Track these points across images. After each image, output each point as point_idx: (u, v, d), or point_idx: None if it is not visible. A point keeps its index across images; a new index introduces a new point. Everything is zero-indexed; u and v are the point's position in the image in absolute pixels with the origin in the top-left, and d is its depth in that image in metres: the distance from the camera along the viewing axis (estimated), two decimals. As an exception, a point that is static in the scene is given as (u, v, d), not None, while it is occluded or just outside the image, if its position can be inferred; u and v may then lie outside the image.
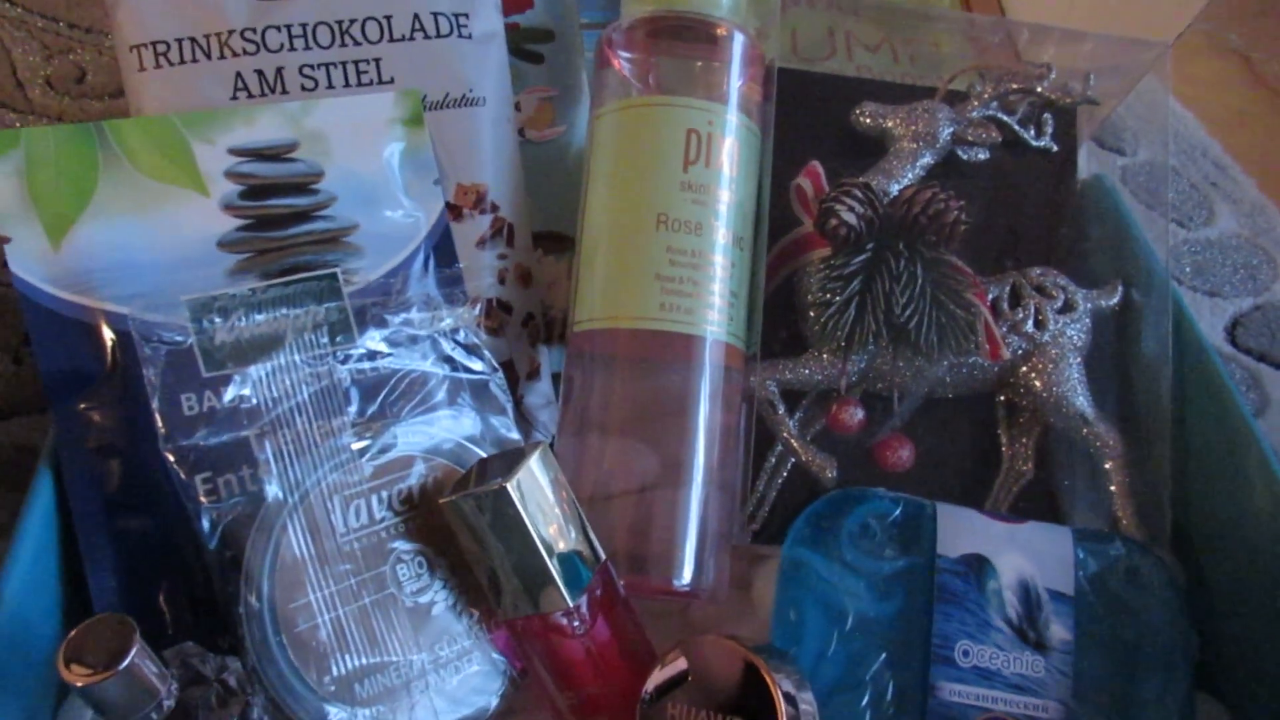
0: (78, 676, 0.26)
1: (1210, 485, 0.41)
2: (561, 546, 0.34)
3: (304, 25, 0.41)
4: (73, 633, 0.27)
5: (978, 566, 0.37)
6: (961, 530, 0.38)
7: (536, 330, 0.45)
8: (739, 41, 0.43)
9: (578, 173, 0.44)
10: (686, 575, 0.39)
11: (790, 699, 0.31)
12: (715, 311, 0.40)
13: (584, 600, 0.34)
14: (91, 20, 0.76)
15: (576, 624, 0.34)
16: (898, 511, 0.38)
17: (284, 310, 0.35)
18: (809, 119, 0.46)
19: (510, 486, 0.32)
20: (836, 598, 0.36)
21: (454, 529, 0.34)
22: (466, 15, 0.43)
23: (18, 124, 0.67)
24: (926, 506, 0.38)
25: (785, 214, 0.45)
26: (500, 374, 0.39)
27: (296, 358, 0.34)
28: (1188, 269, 0.68)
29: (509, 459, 0.34)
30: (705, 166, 0.41)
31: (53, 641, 0.32)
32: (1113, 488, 0.42)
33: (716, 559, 0.40)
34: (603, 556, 0.35)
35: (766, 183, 0.44)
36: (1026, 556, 0.37)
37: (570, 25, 0.49)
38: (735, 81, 0.43)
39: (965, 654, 0.35)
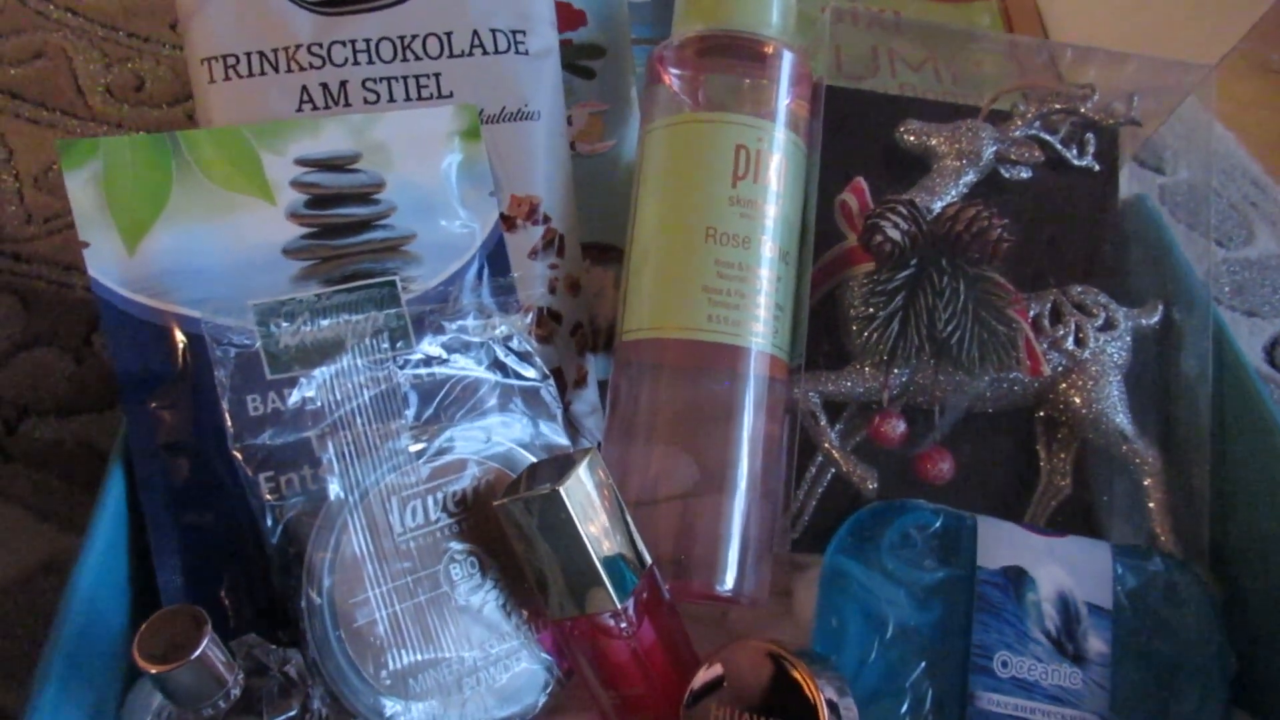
0: (152, 664, 0.27)
1: (1248, 503, 0.42)
2: (609, 550, 0.34)
3: (368, 40, 0.42)
4: (147, 622, 0.28)
5: (1017, 578, 0.37)
6: (1001, 542, 0.38)
7: (584, 339, 0.46)
8: (787, 60, 0.44)
9: (626, 186, 0.45)
10: (729, 581, 0.39)
11: (832, 705, 0.32)
12: (760, 324, 0.41)
13: (631, 603, 0.35)
14: (149, 29, 0.78)
15: (623, 625, 0.35)
16: (938, 523, 0.38)
17: (346, 316, 0.36)
18: (854, 136, 0.47)
19: (562, 491, 0.33)
20: (877, 606, 0.37)
21: (506, 531, 0.35)
22: (524, 32, 0.44)
23: (79, 131, 0.70)
24: (966, 519, 0.39)
25: (830, 229, 0.45)
26: (551, 381, 0.40)
27: (358, 362, 0.35)
28: (1227, 289, 0.68)
29: (560, 464, 0.35)
30: (753, 182, 0.42)
31: (122, 632, 0.34)
32: (1151, 504, 0.42)
33: (758, 566, 0.41)
34: (649, 561, 0.36)
35: (812, 198, 0.45)
36: (1065, 570, 0.38)
37: (622, 42, 0.50)
38: (783, 99, 0.43)
39: (1004, 664, 0.36)
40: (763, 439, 0.41)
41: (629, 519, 0.36)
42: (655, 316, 0.41)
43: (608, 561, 0.34)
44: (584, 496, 0.34)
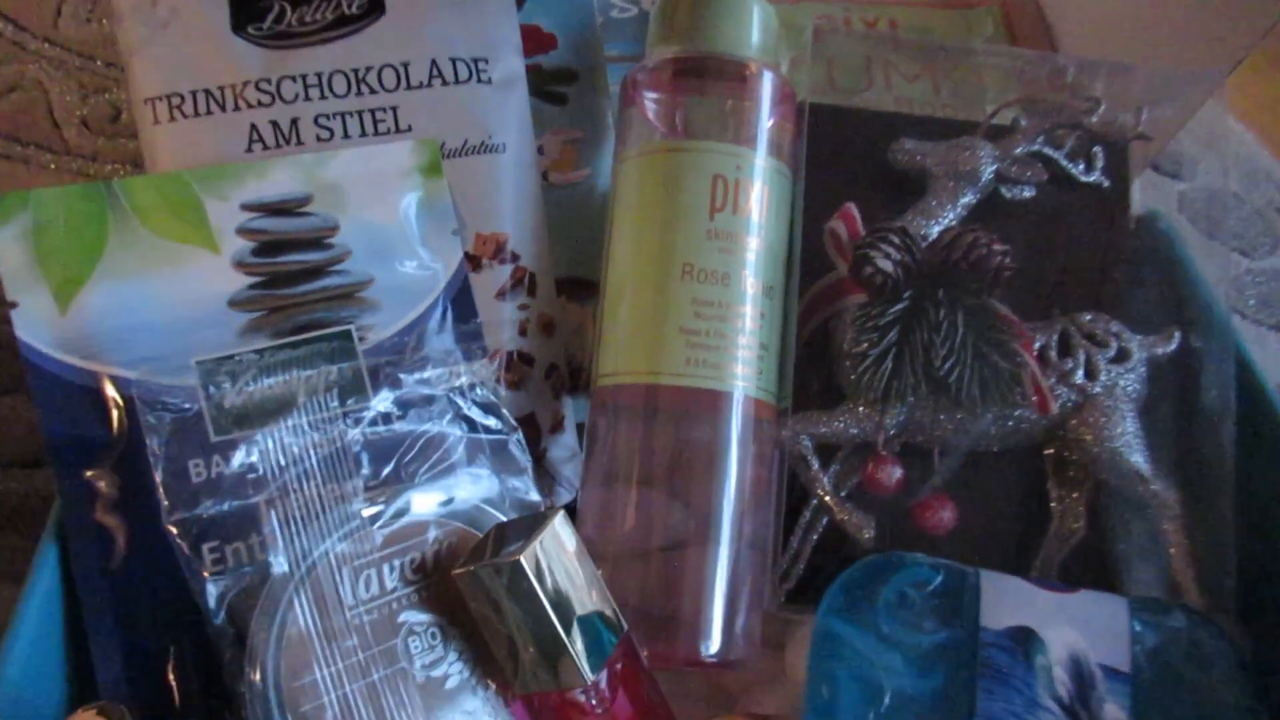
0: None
1: (1278, 548, 0.39)
2: (579, 620, 0.32)
3: (319, 75, 0.40)
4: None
5: (1025, 640, 0.34)
6: (1007, 600, 0.35)
7: (561, 381, 0.44)
8: (768, 81, 0.41)
9: (603, 217, 0.43)
10: (715, 644, 0.37)
11: (821, 790, 0.29)
12: (743, 365, 0.39)
13: (604, 675, 0.32)
14: (127, 59, 0.76)
15: (595, 701, 0.32)
16: (938, 579, 0.36)
17: (295, 372, 0.34)
18: (843, 157, 0.44)
19: (522, 560, 0.31)
20: (873, 673, 0.34)
21: (467, 599, 0.33)
22: (486, 60, 0.42)
23: (53, 165, 0.68)
24: (969, 574, 0.36)
25: (818, 258, 0.43)
26: (519, 433, 0.38)
27: (305, 420, 0.33)
28: (1251, 301, 0.65)
29: (525, 525, 0.33)
30: (732, 213, 0.39)
31: (56, 716, 0.32)
32: (1172, 550, 0.39)
33: (747, 624, 0.38)
34: (625, 628, 0.34)
35: (798, 227, 0.42)
36: (1078, 629, 0.35)
37: (595, 65, 0.48)
38: (764, 123, 0.41)
39: (1012, 738, 0.33)
40: (749, 487, 0.39)
41: (601, 585, 0.34)
42: (630, 360, 0.39)
43: (578, 632, 0.32)
44: (548, 563, 0.32)
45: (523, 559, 0.31)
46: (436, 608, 0.34)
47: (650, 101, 0.42)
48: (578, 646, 0.32)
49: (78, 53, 0.76)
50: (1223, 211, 0.55)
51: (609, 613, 0.33)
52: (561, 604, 0.32)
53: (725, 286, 0.39)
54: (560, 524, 0.33)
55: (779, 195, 0.41)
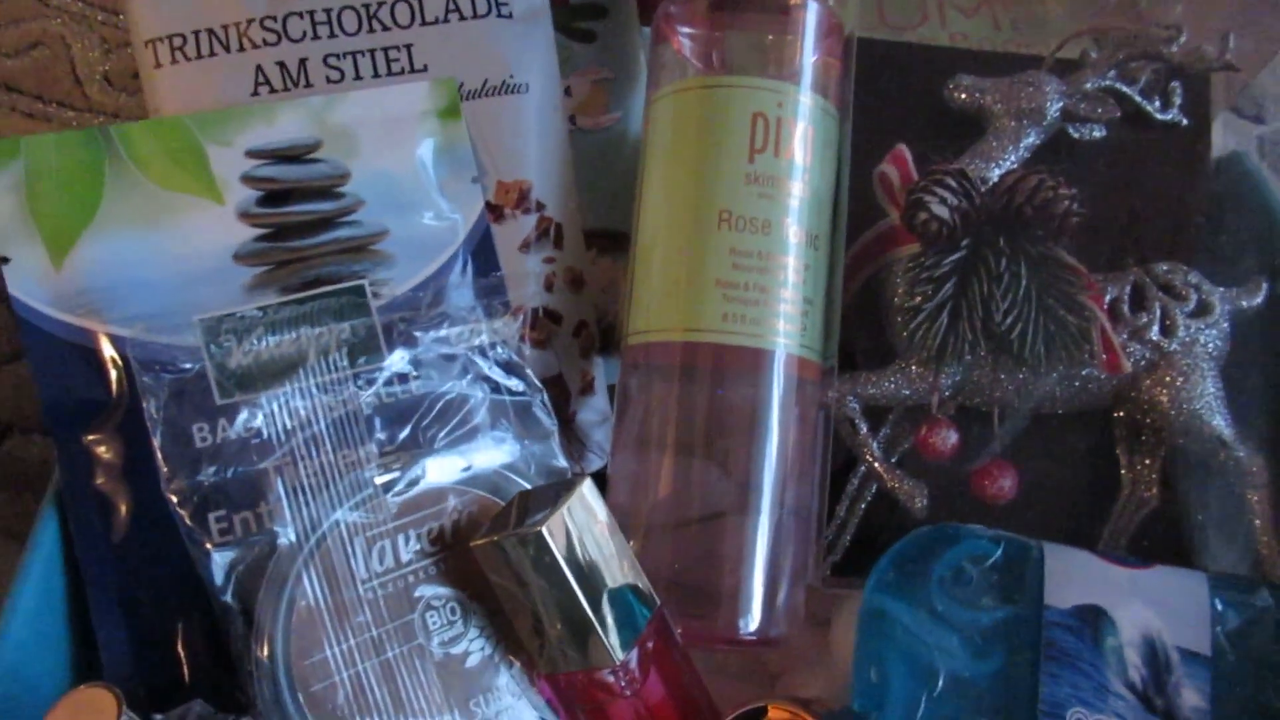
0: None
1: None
2: (608, 595, 0.30)
3: (328, 11, 0.38)
4: (53, 706, 0.24)
5: (1094, 620, 0.32)
6: (1074, 576, 0.32)
7: (590, 340, 0.42)
8: (813, 11, 0.38)
9: (635, 163, 0.40)
10: (754, 621, 0.35)
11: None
12: (786, 321, 0.36)
13: (634, 655, 0.30)
14: (149, 12, 0.75)
15: (624, 682, 0.30)
16: (998, 553, 0.33)
17: (304, 329, 0.32)
18: (895, 96, 0.41)
19: (548, 530, 0.29)
20: (925, 654, 0.31)
21: (488, 573, 0.31)
22: None
23: (75, 123, 0.67)
24: (1032, 548, 0.33)
25: (868, 205, 0.40)
26: (544, 394, 0.36)
27: (313, 382, 0.31)
28: (1335, 252, 0.60)
29: (551, 493, 0.31)
30: (774, 155, 0.36)
31: (61, 689, 0.30)
32: (1257, 522, 0.36)
33: (789, 600, 0.36)
34: (657, 603, 0.32)
35: (845, 171, 0.40)
36: (1152, 608, 0.32)
37: (626, -1, 0.45)
38: (809, 57, 0.38)
39: (1079, 726, 0.30)
40: (791, 452, 0.36)
41: (632, 558, 0.31)
42: (663, 316, 0.36)
43: (605, 608, 0.30)
44: (575, 534, 0.30)
45: (546, 529, 0.29)
46: (456, 581, 0.32)
47: (685, 36, 0.39)
48: (606, 623, 0.30)
49: (99, 6, 0.75)
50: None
51: (640, 587, 0.31)
52: (589, 578, 0.30)
53: (766, 235, 0.36)
54: (588, 491, 0.31)
55: (825, 136, 0.38)
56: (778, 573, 0.36)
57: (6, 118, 0.67)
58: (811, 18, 0.38)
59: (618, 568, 0.31)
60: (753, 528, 0.35)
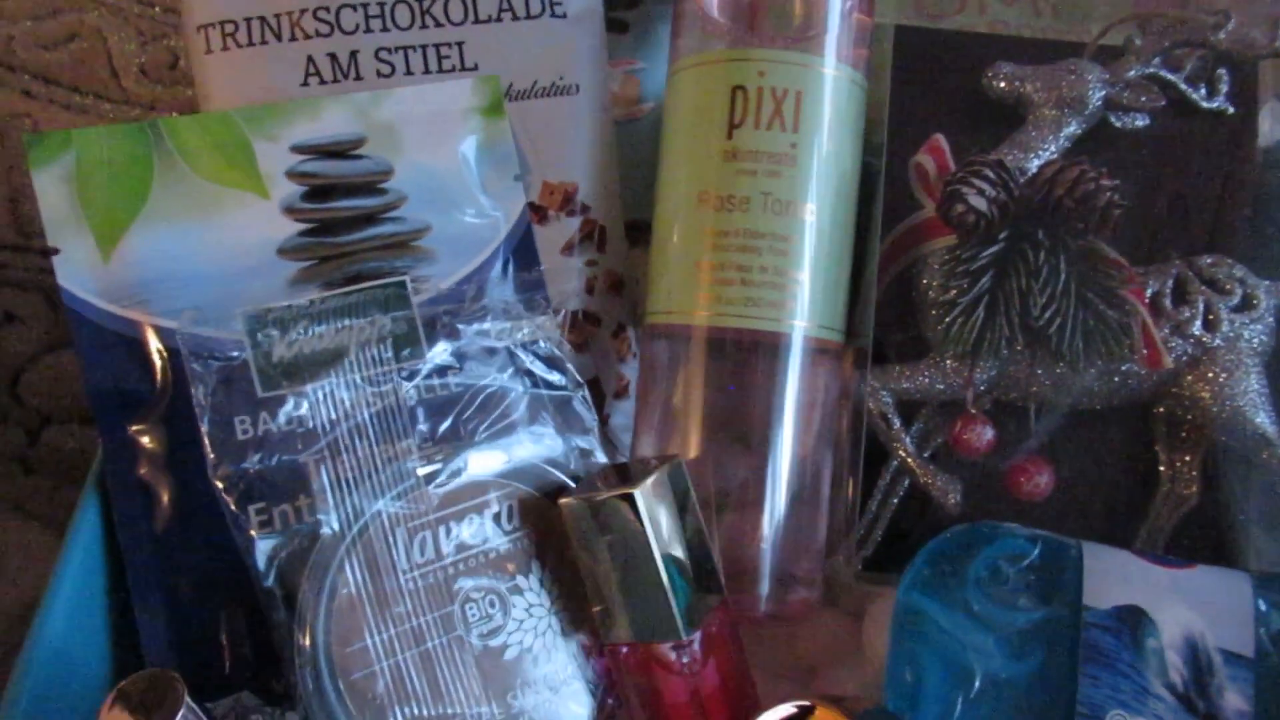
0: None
1: None
2: (683, 572, 0.31)
3: (381, 4, 0.38)
4: (114, 690, 0.25)
5: (1133, 621, 0.31)
6: (1113, 576, 0.32)
7: (627, 344, 0.42)
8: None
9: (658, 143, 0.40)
10: (768, 597, 0.35)
11: (904, 778, 0.27)
12: (799, 302, 0.36)
13: (698, 636, 0.31)
14: (185, 3, 0.76)
15: (686, 660, 0.31)
16: (1035, 552, 0.33)
17: (346, 321, 0.32)
18: (932, 84, 0.41)
19: (637, 494, 0.29)
20: (961, 654, 0.31)
21: (570, 534, 0.31)
22: None
23: (112, 115, 0.68)
24: (1070, 547, 0.33)
25: (904, 196, 0.40)
26: (584, 389, 0.36)
27: (357, 375, 0.31)
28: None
29: (639, 468, 0.32)
30: (754, 129, 0.36)
31: (103, 685, 0.31)
32: None
33: (803, 580, 0.36)
34: (724, 591, 0.32)
35: (881, 158, 0.39)
36: (1194, 609, 0.32)
37: (658, -14, 0.45)
38: (835, 23, 0.37)
39: (1118, 726, 0.30)
40: (807, 432, 0.37)
41: (713, 542, 0.32)
42: (674, 299, 0.37)
43: (680, 585, 0.30)
44: (662, 506, 0.30)
45: (639, 492, 0.29)
46: (496, 574, 0.32)
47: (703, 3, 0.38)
48: (679, 598, 0.30)
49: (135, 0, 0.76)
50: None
51: (714, 571, 0.32)
52: (669, 549, 0.30)
53: (745, 213, 0.36)
54: (678, 469, 0.32)
55: (849, 107, 0.38)
56: (788, 552, 0.36)
57: (45, 109, 0.68)
58: None
59: (697, 548, 0.31)
60: (763, 511, 0.36)
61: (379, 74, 0.39)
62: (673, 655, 0.31)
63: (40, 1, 0.75)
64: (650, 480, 0.30)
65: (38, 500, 0.48)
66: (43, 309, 0.56)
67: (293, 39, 0.38)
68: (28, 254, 0.58)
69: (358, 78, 0.38)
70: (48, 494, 0.48)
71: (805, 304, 0.36)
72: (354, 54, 0.38)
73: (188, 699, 0.25)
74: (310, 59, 0.38)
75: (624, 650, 0.32)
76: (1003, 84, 0.41)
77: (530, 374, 0.35)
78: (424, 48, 0.39)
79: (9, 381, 0.52)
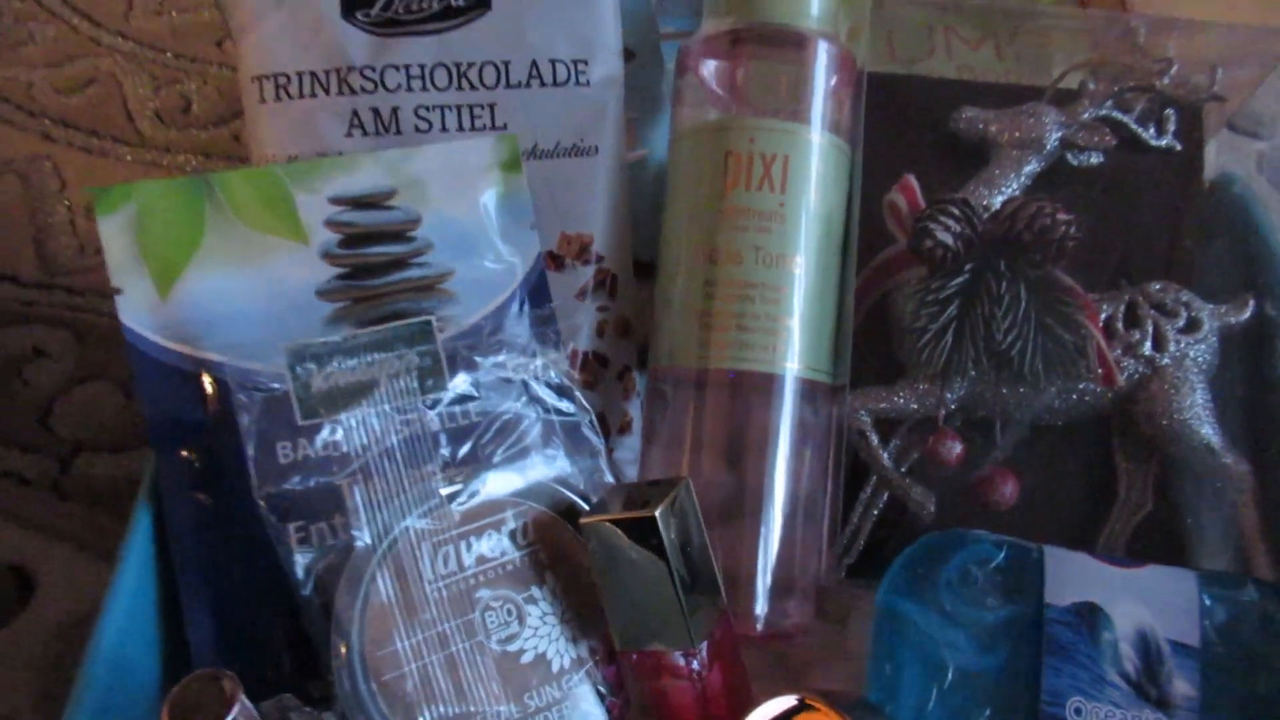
0: (180, 734, 0.27)
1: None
2: (694, 584, 0.33)
3: (422, 66, 0.41)
4: (178, 686, 0.28)
5: (1090, 616, 0.34)
6: (1072, 576, 0.35)
7: (631, 384, 0.45)
8: (824, 51, 0.41)
9: (658, 195, 0.44)
10: (766, 617, 0.38)
11: (885, 759, 0.30)
12: (787, 345, 0.39)
13: (704, 645, 0.34)
14: (196, 50, 0.78)
15: (694, 666, 0.34)
16: (1001, 556, 0.36)
17: (376, 355, 0.35)
18: (903, 127, 0.44)
19: (657, 515, 0.32)
20: (935, 650, 0.34)
21: (589, 550, 0.34)
22: (586, 62, 0.42)
23: (129, 157, 0.71)
24: (1032, 550, 0.36)
25: (878, 232, 0.43)
26: (591, 415, 0.39)
27: (386, 406, 0.35)
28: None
29: (653, 490, 0.34)
30: (780, 191, 0.39)
31: (153, 681, 0.34)
32: (1243, 524, 0.39)
33: (803, 596, 0.39)
34: (725, 603, 0.35)
35: (856, 198, 0.42)
36: (1145, 604, 0.34)
37: (651, 44, 0.48)
38: (819, 95, 0.41)
39: (1078, 711, 0.33)
40: (799, 464, 0.40)
41: (715, 556, 0.35)
42: (677, 344, 0.40)
43: (689, 596, 0.33)
44: (675, 525, 0.33)
45: (659, 514, 0.32)
46: (513, 585, 0.35)
47: (701, 76, 0.42)
48: (689, 610, 0.33)
49: (149, 45, 0.79)
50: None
51: (717, 584, 0.35)
52: (682, 566, 0.33)
53: (739, 266, 0.39)
54: (687, 490, 0.34)
55: (834, 170, 0.41)
56: (784, 575, 0.39)
57: (64, 152, 0.70)
58: (822, 57, 0.41)
59: (704, 564, 0.34)
60: (763, 534, 0.39)
61: (417, 129, 0.41)
62: (681, 662, 0.34)
63: (58, 49, 0.78)
64: (667, 502, 0.32)
65: (72, 524, 0.50)
66: (71, 344, 0.58)
67: (340, 93, 0.41)
68: (53, 291, 0.61)
69: (397, 132, 0.41)
70: (81, 518, 0.50)
71: (796, 347, 0.39)
72: (395, 110, 0.41)
73: (242, 695, 0.28)
74: (355, 112, 0.41)
75: (634, 657, 0.34)
76: (967, 126, 0.44)
77: (542, 402, 0.38)
78: (459, 108, 0.41)
79: (41, 413, 0.55)
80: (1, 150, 0.71)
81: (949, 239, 0.40)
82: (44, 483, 0.52)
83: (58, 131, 0.72)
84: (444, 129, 0.41)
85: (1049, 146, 0.43)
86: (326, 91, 0.41)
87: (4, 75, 0.76)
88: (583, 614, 0.36)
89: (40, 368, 0.57)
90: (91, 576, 0.48)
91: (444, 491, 0.35)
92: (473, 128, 0.41)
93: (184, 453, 0.35)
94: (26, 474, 0.52)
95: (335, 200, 0.38)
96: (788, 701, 0.32)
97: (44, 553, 0.49)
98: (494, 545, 0.35)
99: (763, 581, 0.38)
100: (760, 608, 0.38)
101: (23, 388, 0.56)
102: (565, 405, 0.38)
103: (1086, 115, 0.44)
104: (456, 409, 0.36)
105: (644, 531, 0.32)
